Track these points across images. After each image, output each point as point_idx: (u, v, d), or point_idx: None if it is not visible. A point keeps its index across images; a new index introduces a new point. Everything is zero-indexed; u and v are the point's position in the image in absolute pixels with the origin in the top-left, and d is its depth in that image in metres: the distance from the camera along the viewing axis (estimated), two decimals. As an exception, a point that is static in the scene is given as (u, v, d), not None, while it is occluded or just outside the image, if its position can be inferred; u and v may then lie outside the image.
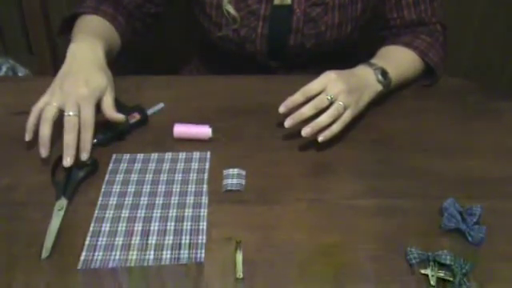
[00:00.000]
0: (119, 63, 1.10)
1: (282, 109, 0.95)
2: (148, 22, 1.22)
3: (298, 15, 1.13)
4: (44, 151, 0.89)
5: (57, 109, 0.90)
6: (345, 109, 0.94)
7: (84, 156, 0.89)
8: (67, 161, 0.88)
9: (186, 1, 1.24)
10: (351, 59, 1.10)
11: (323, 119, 0.92)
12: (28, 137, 0.91)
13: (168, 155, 0.94)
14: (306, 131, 0.92)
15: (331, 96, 0.93)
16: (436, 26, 1.18)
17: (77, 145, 0.89)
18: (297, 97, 0.94)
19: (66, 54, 0.98)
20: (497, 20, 1.86)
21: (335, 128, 0.93)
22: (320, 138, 0.93)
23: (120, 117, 0.95)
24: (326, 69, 0.97)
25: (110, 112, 0.94)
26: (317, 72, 0.97)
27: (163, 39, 1.70)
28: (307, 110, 0.93)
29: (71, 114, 0.89)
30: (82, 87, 0.92)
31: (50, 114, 0.90)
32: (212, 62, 1.34)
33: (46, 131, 0.89)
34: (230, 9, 1.12)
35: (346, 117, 0.94)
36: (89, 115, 0.90)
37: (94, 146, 0.94)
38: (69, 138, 0.89)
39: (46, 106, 0.91)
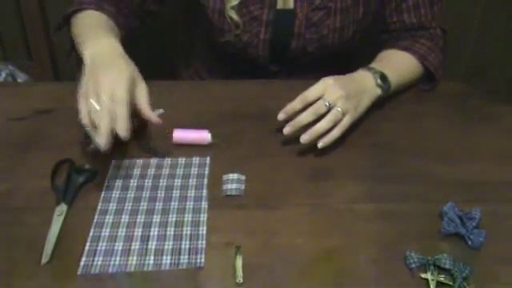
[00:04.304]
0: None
1: (280, 116, 0.95)
2: (145, 19, 1.21)
3: (300, 19, 1.14)
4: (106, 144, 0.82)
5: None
6: (343, 114, 0.94)
7: (124, 134, 0.83)
8: (102, 144, 0.82)
9: (187, 5, 1.24)
10: (352, 63, 1.10)
11: (321, 126, 0.92)
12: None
13: (167, 160, 0.94)
14: (304, 138, 0.92)
15: (329, 102, 0.93)
16: (436, 31, 1.18)
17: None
18: (295, 104, 0.94)
19: (84, 57, 0.93)
20: (496, 23, 1.86)
21: (334, 134, 0.93)
22: (319, 145, 0.93)
23: (156, 120, 0.89)
24: (326, 73, 0.97)
25: (146, 109, 0.89)
26: (317, 76, 0.97)
27: (163, 44, 1.71)
28: (305, 117, 0.93)
29: (105, 100, 0.84)
30: (113, 73, 0.87)
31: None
32: (212, 65, 1.34)
33: (106, 125, 0.82)
34: (233, 14, 1.12)
35: (345, 122, 0.94)
36: (121, 92, 0.84)
37: (92, 151, 0.94)
38: (99, 122, 0.83)
39: (92, 114, 0.84)
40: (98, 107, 0.84)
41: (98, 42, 0.97)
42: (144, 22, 1.21)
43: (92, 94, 0.86)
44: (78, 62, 1.11)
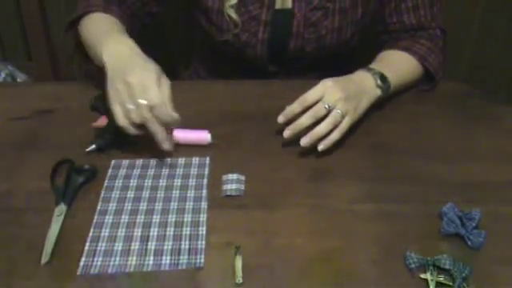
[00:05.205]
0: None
1: (280, 119, 0.95)
2: (146, 21, 1.21)
3: (298, 19, 1.14)
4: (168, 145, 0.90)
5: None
6: (343, 116, 0.93)
7: (166, 146, 0.90)
8: (166, 145, 0.89)
9: (187, 5, 1.24)
10: (350, 64, 1.10)
11: (321, 129, 0.92)
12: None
13: (167, 161, 0.94)
14: (304, 142, 0.92)
15: (329, 104, 0.92)
16: (436, 31, 1.18)
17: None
18: (295, 106, 0.94)
19: (104, 59, 0.93)
20: (496, 23, 1.86)
21: (334, 136, 0.93)
22: (320, 147, 0.93)
23: (175, 116, 0.88)
24: (325, 73, 0.97)
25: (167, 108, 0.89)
26: (316, 76, 0.96)
27: (163, 43, 1.71)
28: (305, 120, 0.93)
29: (144, 103, 0.86)
30: (140, 73, 0.88)
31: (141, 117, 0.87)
32: (212, 66, 1.35)
33: (157, 128, 0.88)
34: (232, 13, 1.13)
35: (345, 124, 0.94)
36: (155, 95, 0.86)
37: (92, 151, 0.94)
38: (154, 129, 0.87)
39: (128, 116, 0.87)
40: (133, 107, 0.86)
41: (114, 44, 0.96)
42: (144, 23, 1.21)
43: (125, 96, 0.87)
44: (79, 66, 1.11)
